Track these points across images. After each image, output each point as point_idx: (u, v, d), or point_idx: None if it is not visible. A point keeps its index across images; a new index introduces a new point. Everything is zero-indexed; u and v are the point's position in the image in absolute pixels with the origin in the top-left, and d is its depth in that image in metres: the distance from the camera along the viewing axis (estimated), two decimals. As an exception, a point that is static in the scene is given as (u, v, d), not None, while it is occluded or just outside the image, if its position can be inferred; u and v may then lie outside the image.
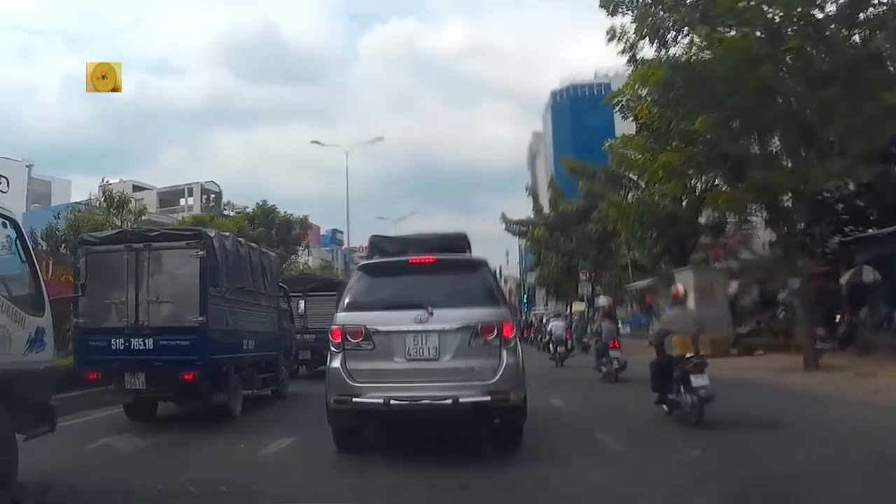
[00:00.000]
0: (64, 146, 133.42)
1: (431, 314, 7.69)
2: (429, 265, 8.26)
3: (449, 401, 7.47)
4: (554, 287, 51.59)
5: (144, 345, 10.77)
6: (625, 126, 31.04)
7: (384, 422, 8.86)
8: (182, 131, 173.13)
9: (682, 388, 10.27)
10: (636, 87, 18.77)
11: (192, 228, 12.03)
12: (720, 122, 17.04)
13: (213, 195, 75.78)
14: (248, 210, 48.64)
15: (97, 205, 24.27)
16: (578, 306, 50.34)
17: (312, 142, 77.53)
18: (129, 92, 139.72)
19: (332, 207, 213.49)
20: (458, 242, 9.46)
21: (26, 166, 71.20)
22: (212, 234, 11.41)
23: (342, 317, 8.00)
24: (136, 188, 75.84)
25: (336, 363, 7.86)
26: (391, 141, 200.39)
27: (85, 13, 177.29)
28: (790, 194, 19.87)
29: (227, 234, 12.76)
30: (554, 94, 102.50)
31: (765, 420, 10.64)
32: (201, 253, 10.76)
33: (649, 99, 18.40)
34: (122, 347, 10.85)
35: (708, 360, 10.17)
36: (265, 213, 47.47)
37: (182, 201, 77.68)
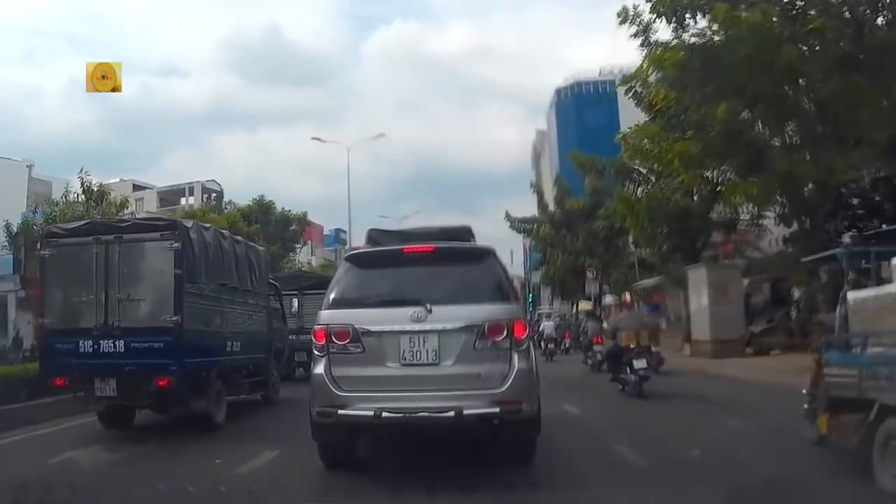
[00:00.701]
0: (69, 148, 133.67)
1: (430, 311, 6.61)
2: (427, 254, 7.16)
3: (451, 413, 6.40)
4: (559, 286, 50.49)
5: (115, 347, 9.78)
6: (633, 120, 30.09)
7: (376, 436, 7.82)
8: (187, 133, 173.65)
9: (628, 370, 13.78)
10: (649, 71, 17.71)
11: (166, 218, 11.00)
12: (741, 108, 15.97)
13: (214, 194, 75.06)
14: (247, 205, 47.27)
15: (76, 197, 23.13)
16: (585, 305, 49.50)
17: (313, 138, 76.48)
18: (135, 94, 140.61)
19: (336, 208, 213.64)
20: (462, 236, 8.35)
21: (27, 167, 70.62)
22: (188, 225, 10.37)
23: (326, 315, 6.92)
24: (137, 188, 75.44)
25: (319, 369, 6.79)
26: (395, 143, 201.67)
27: (88, 16, 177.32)
28: (811, 186, 18.85)
29: (207, 225, 11.70)
30: (558, 92, 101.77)
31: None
32: (176, 245, 9.72)
33: (664, 84, 17.29)
34: (90, 350, 9.88)
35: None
36: (262, 209, 46.11)
37: (183, 201, 76.82)
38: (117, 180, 76.47)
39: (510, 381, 6.53)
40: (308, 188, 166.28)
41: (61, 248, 10.29)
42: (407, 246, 7.29)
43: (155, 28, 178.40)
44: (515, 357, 6.61)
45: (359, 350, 6.69)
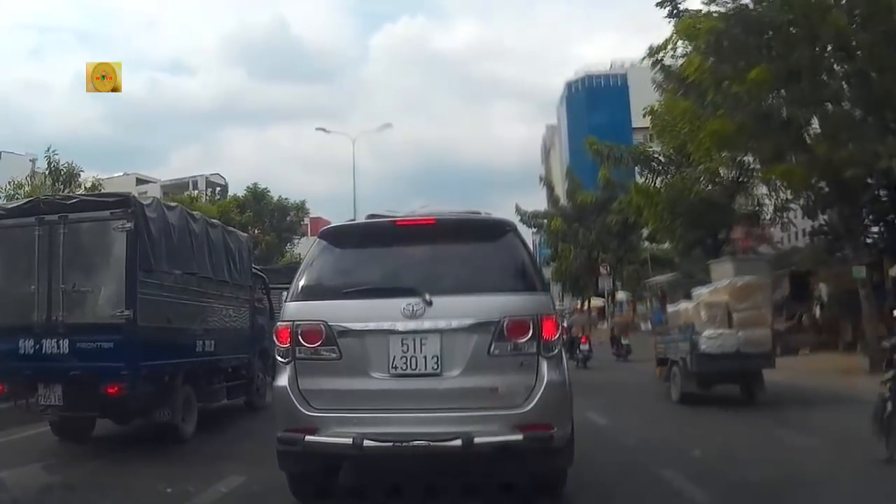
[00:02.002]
0: (77, 144, 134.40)
1: (430, 304, 4.98)
2: (427, 229, 5.49)
3: (457, 441, 4.76)
4: (571, 282, 48.93)
5: (59, 348, 8.26)
6: (642, 118, 28.72)
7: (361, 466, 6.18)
8: (194, 129, 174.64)
9: (577, 351, 22.72)
10: (677, 42, 16.08)
11: (118, 194, 9.37)
12: (779, 78, 14.28)
13: (218, 188, 73.92)
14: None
15: (43, 179, 21.33)
16: (597, 302, 48.08)
17: (318, 129, 75.28)
18: (142, 91, 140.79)
19: (345, 204, 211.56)
20: None
21: (30, 161, 69.56)
22: (146, 203, 8.75)
23: (292, 308, 5.29)
24: (140, 181, 74.42)
25: (282, 380, 5.17)
26: (402, 140, 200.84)
27: (95, 12, 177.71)
28: (851, 171, 17.14)
29: (172, 204, 10.08)
30: (569, 85, 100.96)
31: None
32: (128, 225, 8.10)
33: (697, 53, 15.55)
34: (31, 351, 8.38)
35: None
36: (256, 198, 44.12)
37: (187, 195, 75.80)
38: (121, 174, 75.73)
39: (537, 397, 4.89)
40: (316, 184, 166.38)
41: (1, 231, 8.73)
42: (400, 218, 5.59)
43: (162, 24, 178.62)
44: (544, 365, 4.96)
45: (334, 355, 5.05)
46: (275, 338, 5.27)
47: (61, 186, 20.22)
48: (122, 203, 8.35)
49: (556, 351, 5.08)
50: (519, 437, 4.81)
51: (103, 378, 8.08)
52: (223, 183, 74.76)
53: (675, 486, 6.42)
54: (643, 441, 8.83)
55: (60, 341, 8.25)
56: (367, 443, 4.80)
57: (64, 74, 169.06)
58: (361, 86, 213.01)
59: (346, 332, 5.05)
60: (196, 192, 72.59)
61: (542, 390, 4.91)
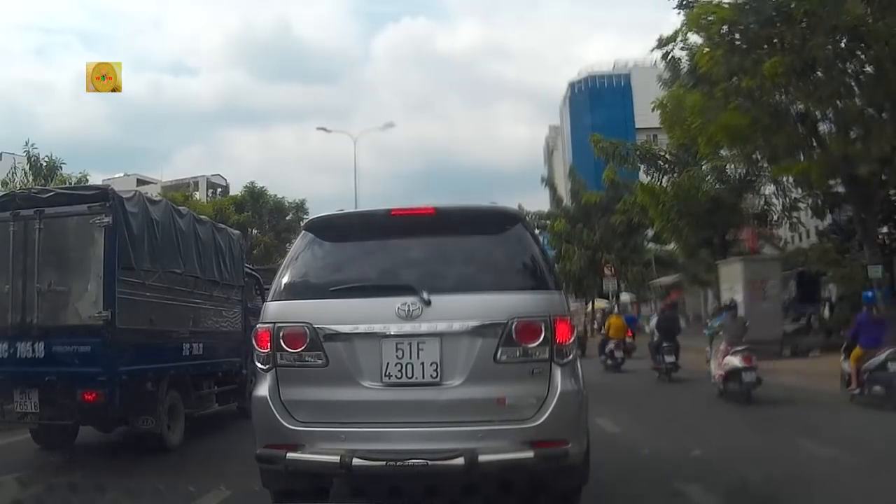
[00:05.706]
0: (79, 144, 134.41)
1: (428, 303, 4.44)
2: (425, 220, 4.92)
3: (459, 459, 4.20)
4: (575, 283, 48.48)
5: (34, 351, 7.82)
6: (648, 114, 28.27)
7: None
8: (197, 130, 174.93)
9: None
10: (687, 34, 15.55)
11: (96, 186, 8.88)
12: (794, 70, 13.75)
13: (220, 189, 73.35)
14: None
15: (23, 174, 20.76)
16: (600, 304, 47.65)
17: (318, 129, 74.18)
18: (145, 92, 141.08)
19: (348, 205, 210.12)
20: None
21: (15, 157, 69.04)
22: (126, 196, 8.21)
23: (274, 309, 4.74)
24: (140, 182, 73.88)
25: (262, 390, 4.63)
26: (405, 140, 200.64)
27: (98, 13, 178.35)
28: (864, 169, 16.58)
29: (157, 199, 9.54)
30: (572, 85, 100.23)
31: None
32: (106, 220, 7.60)
33: (709, 43, 15.00)
34: (5, 355, 7.93)
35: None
36: (253, 198, 43.51)
37: (181, 192, 75.39)
38: (122, 175, 75.26)
39: (550, 409, 4.35)
40: (320, 184, 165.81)
41: None
42: (395, 208, 4.98)
43: (165, 25, 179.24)
44: (558, 373, 4.42)
45: (320, 362, 4.51)
46: (254, 342, 4.73)
47: (42, 181, 19.63)
48: (100, 196, 7.88)
49: (571, 357, 4.53)
50: (529, 454, 4.26)
51: (80, 384, 7.61)
52: (224, 184, 74.26)
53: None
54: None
55: (35, 344, 7.81)
56: (356, 461, 4.25)
57: (66, 75, 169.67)
58: (365, 86, 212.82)
59: (333, 336, 4.50)
60: (197, 193, 72.31)
61: (555, 401, 4.37)
